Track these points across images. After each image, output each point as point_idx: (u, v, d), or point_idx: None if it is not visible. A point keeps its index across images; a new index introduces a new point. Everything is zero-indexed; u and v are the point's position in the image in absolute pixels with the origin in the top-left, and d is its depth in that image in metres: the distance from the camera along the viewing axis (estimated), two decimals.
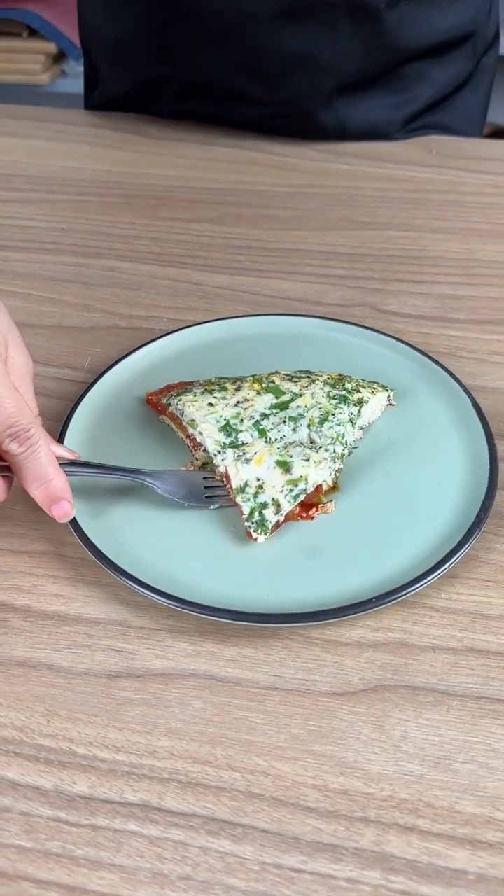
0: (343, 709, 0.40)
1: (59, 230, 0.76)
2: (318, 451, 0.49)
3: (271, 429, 0.50)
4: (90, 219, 0.78)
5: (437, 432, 0.54)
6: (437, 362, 0.58)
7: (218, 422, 0.50)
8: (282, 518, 0.47)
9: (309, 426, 0.50)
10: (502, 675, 0.42)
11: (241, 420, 0.50)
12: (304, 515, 0.48)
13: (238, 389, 0.53)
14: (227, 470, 0.48)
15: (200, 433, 0.50)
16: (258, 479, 0.48)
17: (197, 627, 0.44)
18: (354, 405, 0.52)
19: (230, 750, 0.39)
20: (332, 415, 0.51)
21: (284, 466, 0.48)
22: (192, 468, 0.51)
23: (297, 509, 0.48)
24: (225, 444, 0.50)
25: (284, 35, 0.79)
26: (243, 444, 0.50)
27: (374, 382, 0.55)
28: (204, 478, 0.50)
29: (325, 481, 0.49)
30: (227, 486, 0.48)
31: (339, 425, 0.50)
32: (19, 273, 0.70)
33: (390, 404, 0.55)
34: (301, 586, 0.45)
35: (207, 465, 0.51)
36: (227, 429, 0.50)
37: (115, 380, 0.57)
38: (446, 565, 0.45)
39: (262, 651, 0.43)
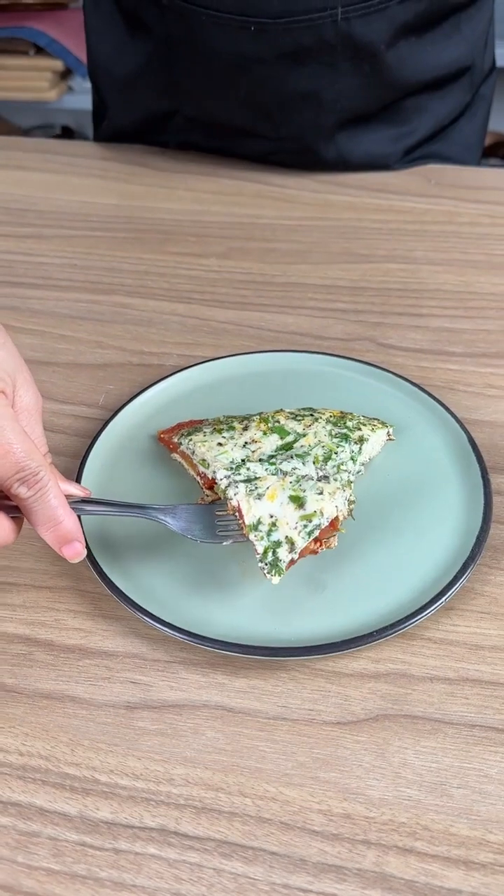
0: (346, 737, 0.43)
1: (72, 266, 0.79)
2: (329, 483, 0.50)
3: (280, 462, 0.52)
4: (102, 254, 0.81)
5: (435, 467, 0.56)
6: (434, 398, 0.61)
7: (231, 462, 0.52)
8: (296, 556, 0.48)
9: (314, 463, 0.53)
10: (495, 703, 0.45)
11: (251, 461, 0.53)
12: (309, 550, 0.51)
13: (245, 429, 0.56)
14: (239, 505, 0.49)
15: (214, 472, 0.53)
16: (271, 516, 0.48)
17: (209, 660, 0.47)
18: (355, 443, 0.55)
19: (241, 777, 0.42)
20: (335, 453, 0.54)
21: (298, 501, 0.49)
22: (202, 504, 0.54)
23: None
24: (234, 471, 0.52)
25: (287, 75, 0.82)
26: (256, 477, 0.51)
27: (374, 419, 0.58)
28: (217, 511, 0.51)
29: (339, 510, 0.50)
30: (240, 521, 0.49)
31: (343, 465, 0.53)
32: (36, 311, 0.74)
33: (390, 439, 0.58)
34: (306, 620, 0.48)
35: (218, 501, 0.54)
36: (236, 463, 0.53)
37: (129, 418, 0.60)
38: (443, 599, 0.48)
39: (271, 682, 0.46)
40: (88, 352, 0.69)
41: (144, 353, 0.69)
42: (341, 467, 0.52)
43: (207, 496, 0.54)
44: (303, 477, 0.51)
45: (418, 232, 0.83)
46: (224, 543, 0.50)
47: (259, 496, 0.50)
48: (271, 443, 0.54)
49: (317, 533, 0.49)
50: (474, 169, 0.94)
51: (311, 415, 0.57)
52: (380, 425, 0.57)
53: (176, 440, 0.57)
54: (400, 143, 0.91)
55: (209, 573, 0.51)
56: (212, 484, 0.54)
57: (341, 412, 0.58)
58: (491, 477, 0.55)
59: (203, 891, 0.38)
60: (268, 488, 0.50)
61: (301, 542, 0.48)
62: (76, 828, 0.40)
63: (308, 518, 0.49)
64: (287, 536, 0.48)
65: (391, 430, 0.58)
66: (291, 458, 0.53)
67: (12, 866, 0.39)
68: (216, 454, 0.53)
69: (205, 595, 0.49)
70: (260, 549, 0.48)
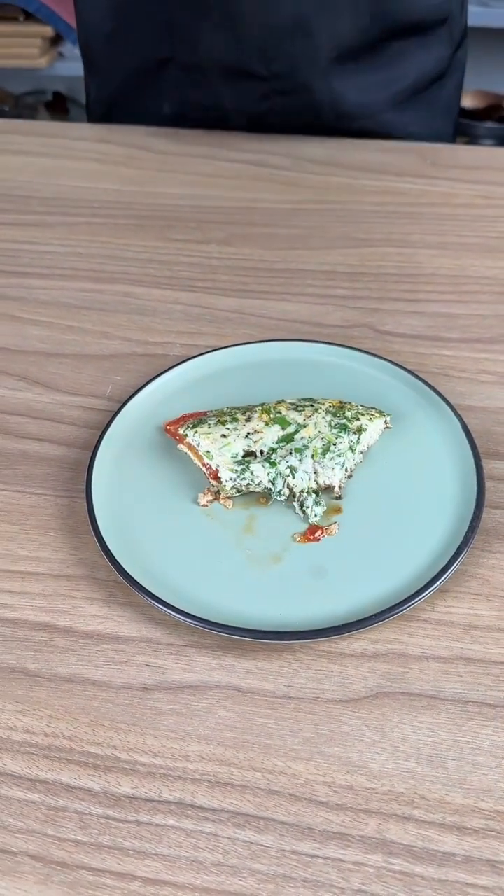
0: (348, 714, 0.46)
1: (76, 255, 0.81)
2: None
3: (279, 461, 0.55)
4: (104, 242, 0.82)
5: (431, 454, 0.59)
6: (429, 385, 0.63)
7: (234, 457, 0.55)
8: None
9: (313, 457, 0.55)
10: (487, 680, 0.48)
11: (253, 453, 0.56)
12: (311, 537, 0.54)
13: (248, 420, 0.58)
14: None
15: (218, 466, 0.55)
16: None
17: (219, 643, 0.50)
18: (354, 433, 0.57)
19: (252, 753, 0.45)
20: (334, 444, 0.56)
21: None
22: (208, 494, 0.57)
23: (306, 532, 0.54)
24: (238, 474, 0.55)
25: (277, 2, 0.85)
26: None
27: (372, 408, 0.60)
28: None
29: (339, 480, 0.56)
30: None
31: (339, 455, 0.56)
32: (42, 301, 0.75)
33: (387, 427, 0.61)
34: (310, 604, 0.51)
35: (221, 493, 0.57)
36: (240, 462, 0.55)
37: (135, 410, 0.63)
38: (438, 582, 0.50)
39: (277, 664, 0.49)
40: (94, 342, 0.71)
41: (149, 343, 0.71)
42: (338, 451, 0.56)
43: (213, 486, 0.57)
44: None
45: (415, 214, 0.84)
46: None
47: None
48: (272, 434, 0.57)
49: None
50: (469, 147, 0.96)
51: (312, 405, 0.59)
52: (377, 414, 0.60)
53: (182, 432, 0.59)
54: (389, 88, 0.94)
55: (218, 562, 0.53)
56: (217, 475, 0.56)
57: (340, 402, 0.60)
58: (483, 462, 0.57)
59: (219, 858, 0.41)
60: None
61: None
62: (100, 802, 0.44)
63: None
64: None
65: (388, 418, 0.60)
66: (290, 453, 0.55)
67: (43, 839, 0.42)
68: (220, 446, 0.56)
69: (215, 582, 0.52)
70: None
